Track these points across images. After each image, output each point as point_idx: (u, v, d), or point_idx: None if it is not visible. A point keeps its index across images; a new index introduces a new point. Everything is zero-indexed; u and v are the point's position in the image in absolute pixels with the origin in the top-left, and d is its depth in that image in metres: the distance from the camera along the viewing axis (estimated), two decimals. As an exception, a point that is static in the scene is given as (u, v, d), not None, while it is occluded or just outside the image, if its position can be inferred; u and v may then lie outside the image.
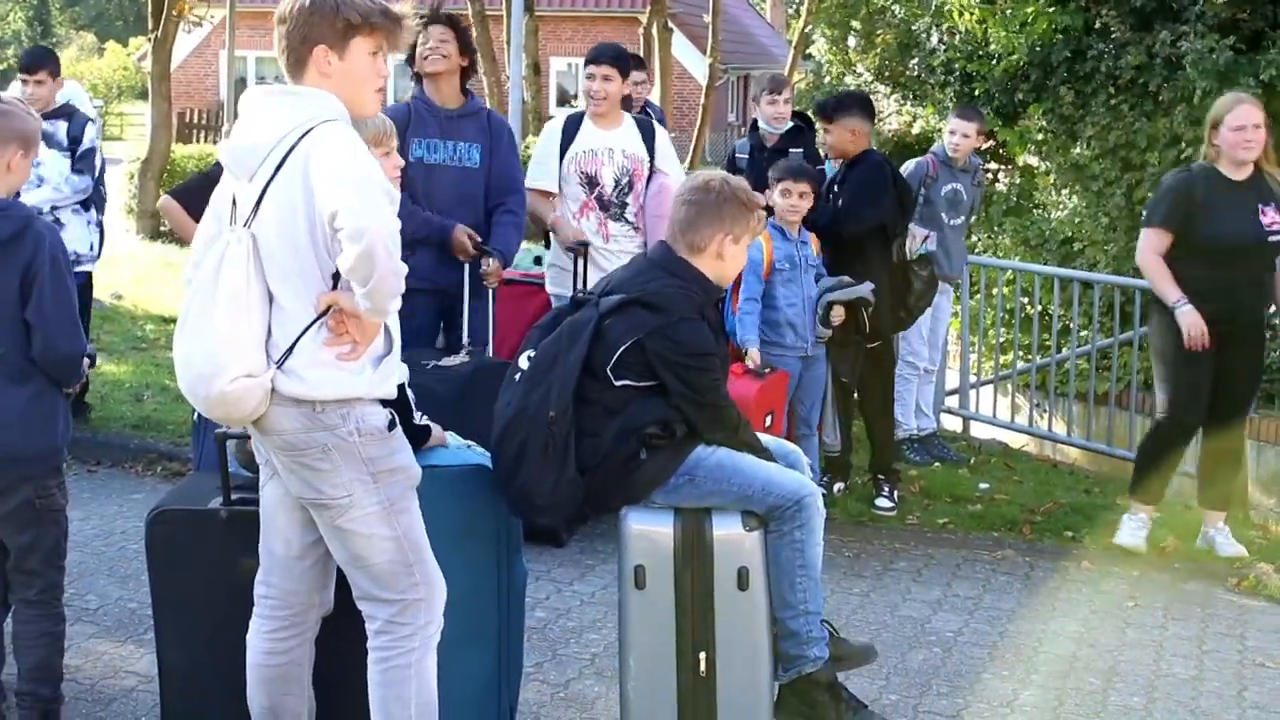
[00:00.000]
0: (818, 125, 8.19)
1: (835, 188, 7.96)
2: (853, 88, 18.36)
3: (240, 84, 27.72)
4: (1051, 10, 15.00)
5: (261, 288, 3.97)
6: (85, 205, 8.71)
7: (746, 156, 8.91)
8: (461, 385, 6.43)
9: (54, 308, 4.70)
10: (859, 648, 5.16)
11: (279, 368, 4.00)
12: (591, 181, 7.62)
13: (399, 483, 4.24)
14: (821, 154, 8.78)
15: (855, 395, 8.21)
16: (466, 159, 7.21)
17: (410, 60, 7.21)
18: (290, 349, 3.99)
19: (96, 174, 8.72)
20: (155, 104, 20.26)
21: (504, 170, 7.34)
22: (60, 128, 8.52)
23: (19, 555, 4.90)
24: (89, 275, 8.80)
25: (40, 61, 8.65)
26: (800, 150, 8.68)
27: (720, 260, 4.87)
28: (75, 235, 8.52)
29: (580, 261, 7.44)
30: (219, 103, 33.16)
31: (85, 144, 8.60)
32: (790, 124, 8.82)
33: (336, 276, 4.01)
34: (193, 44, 36.39)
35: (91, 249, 8.78)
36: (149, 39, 20.66)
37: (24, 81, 8.56)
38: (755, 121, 9.03)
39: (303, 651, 4.45)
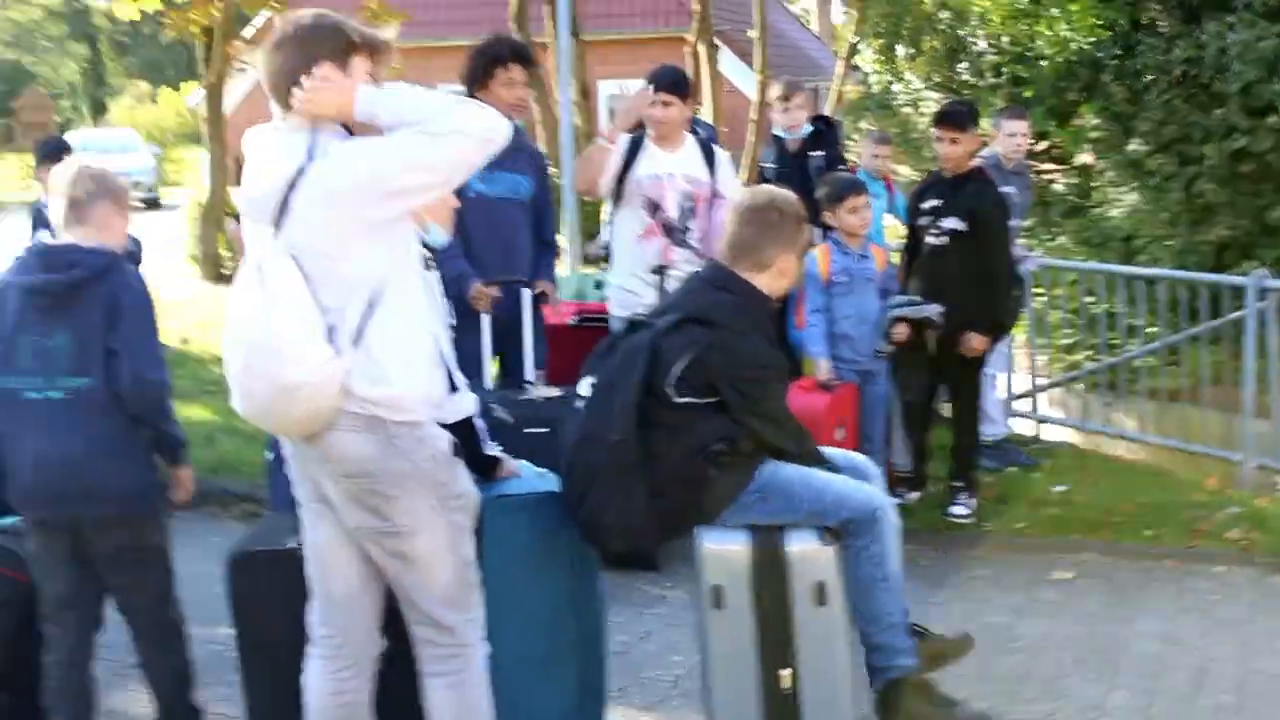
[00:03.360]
0: (941, 135, 7.94)
1: (938, 202, 7.89)
2: (901, 96, 18.32)
3: (293, 124, 27.79)
4: (1096, 6, 14.92)
5: (307, 290, 3.99)
6: None
7: (773, 167, 8.88)
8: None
9: (137, 334, 4.80)
10: (954, 640, 5.13)
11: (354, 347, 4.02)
12: (655, 207, 7.59)
13: (463, 507, 4.28)
14: (847, 155, 8.79)
15: (949, 405, 8.21)
16: (523, 191, 7.27)
17: (475, 89, 7.18)
18: (357, 337, 4.01)
19: None
20: (211, 148, 20.46)
21: (545, 204, 7.51)
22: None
23: (121, 595, 5.04)
24: None
25: (59, 151, 8.33)
26: (822, 153, 8.66)
27: (781, 277, 4.90)
28: None
29: (660, 284, 7.39)
30: (273, 144, 33.40)
31: None
32: (809, 127, 8.79)
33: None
34: (246, 87, 36.69)
35: None
36: (203, 83, 20.86)
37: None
38: (774, 132, 9.00)
39: (366, 689, 4.47)
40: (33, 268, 4.85)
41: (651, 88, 7.55)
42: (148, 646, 5.13)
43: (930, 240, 7.89)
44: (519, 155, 7.30)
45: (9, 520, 5.44)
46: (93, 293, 4.79)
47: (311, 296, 3.98)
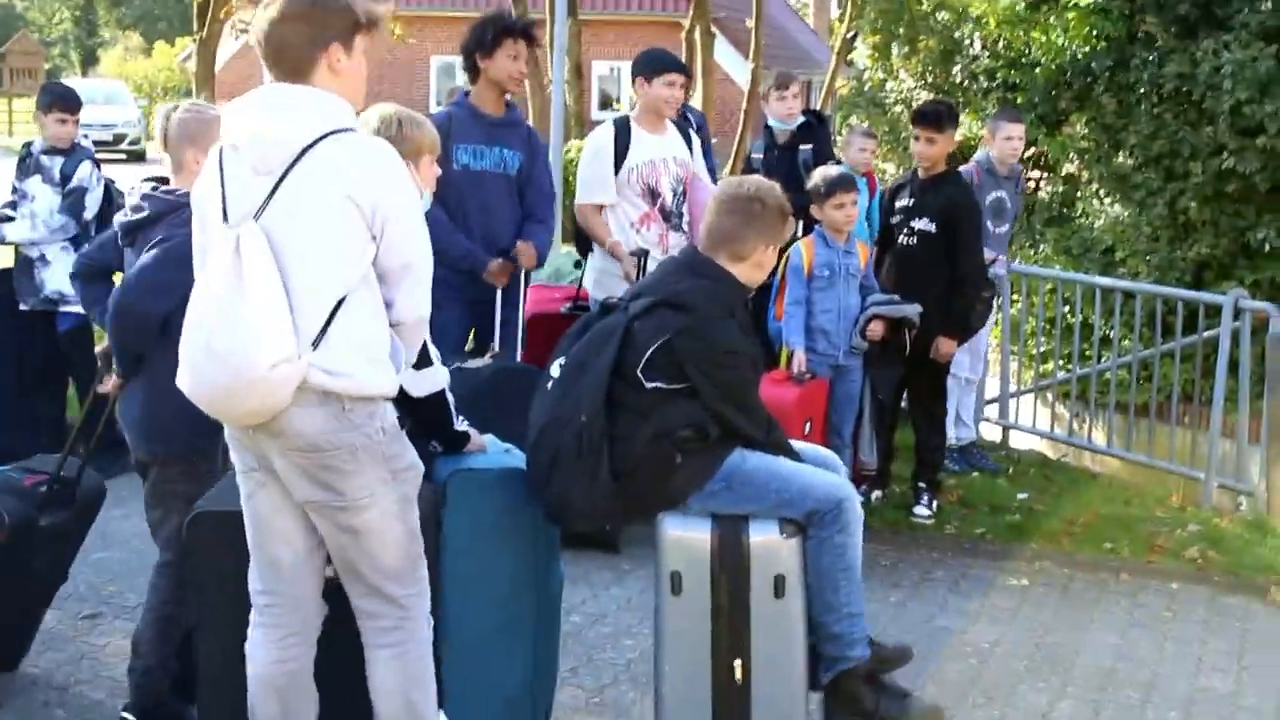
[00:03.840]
0: (919, 133, 8.03)
1: (910, 201, 7.92)
2: (894, 94, 18.32)
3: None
4: (1092, 17, 14.93)
5: (279, 278, 3.94)
6: (76, 243, 8.13)
7: (760, 157, 8.91)
8: (478, 386, 6.39)
9: (141, 267, 4.93)
10: (893, 650, 5.15)
11: (313, 349, 3.98)
12: (653, 193, 7.58)
13: (411, 479, 4.28)
14: (838, 152, 8.79)
15: (905, 405, 8.22)
16: (510, 166, 7.23)
17: (478, 55, 7.17)
18: (319, 338, 3.97)
19: (90, 214, 8.20)
20: (200, 104, 20.37)
21: (540, 184, 7.41)
22: (57, 163, 8.20)
23: (151, 527, 5.22)
24: (84, 322, 8.01)
25: (76, 104, 8.31)
26: (811, 146, 8.69)
27: (758, 268, 4.91)
28: (61, 273, 8.04)
29: (640, 266, 7.35)
30: (262, 103, 33.19)
31: (74, 182, 8.14)
32: (801, 119, 8.82)
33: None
34: (237, 45, 36.56)
35: None
36: (194, 40, 20.78)
37: (62, 121, 8.19)
38: (766, 122, 9.01)
39: (310, 655, 4.45)
40: (129, 206, 5.11)
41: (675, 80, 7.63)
42: (155, 575, 5.21)
43: (901, 240, 7.93)
44: (509, 131, 7.32)
45: None
46: (148, 234, 4.99)
47: (284, 288, 3.93)
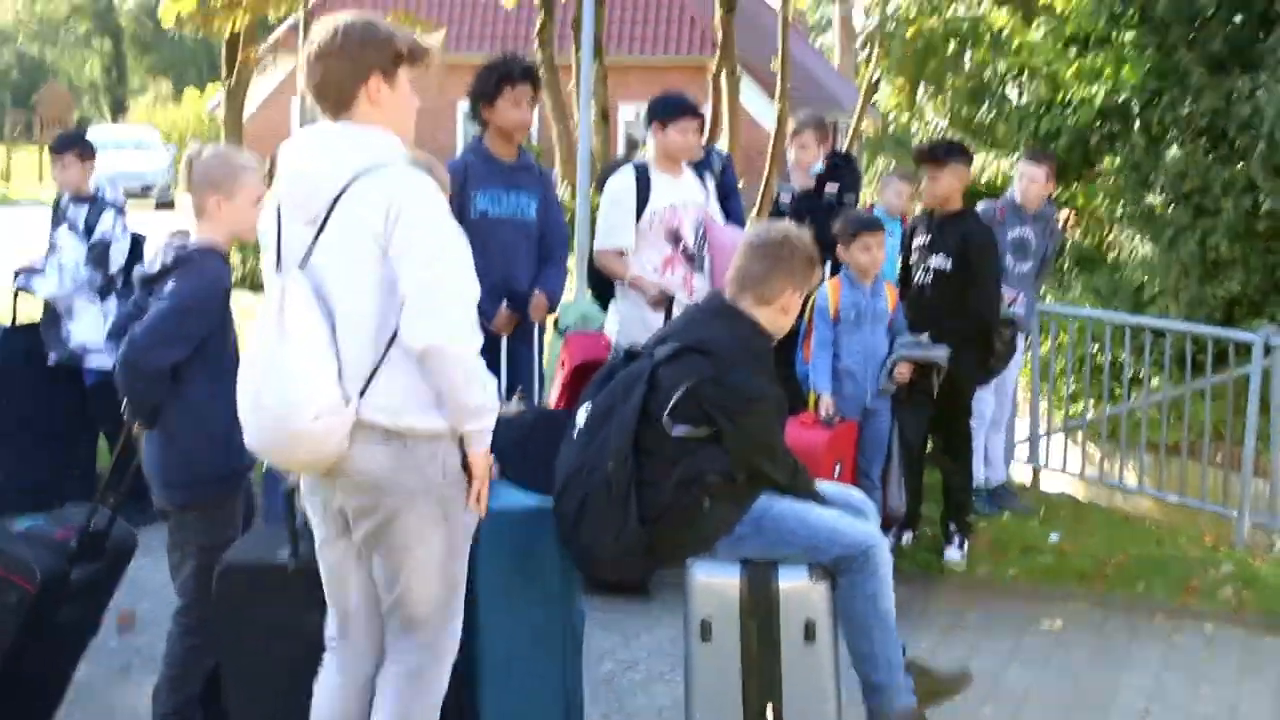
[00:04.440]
0: (925, 171, 7.99)
1: (926, 239, 7.90)
2: (920, 135, 18.34)
3: (312, 132, 27.79)
4: (1131, 56, 14.90)
5: (327, 326, 3.97)
6: (103, 295, 8.15)
7: (789, 199, 8.90)
8: (521, 435, 6.40)
9: (148, 320, 4.93)
10: (952, 676, 5.13)
11: (361, 398, 4.00)
12: (676, 236, 7.58)
13: (466, 525, 4.28)
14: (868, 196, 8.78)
15: (929, 448, 8.17)
16: (527, 211, 7.27)
17: (481, 105, 7.22)
18: (370, 379, 3.99)
19: (116, 267, 8.12)
20: (228, 152, 20.47)
21: (556, 222, 7.50)
22: (81, 213, 8.15)
23: (171, 572, 5.26)
24: (110, 375, 7.96)
25: (66, 145, 8.25)
26: (838, 184, 8.70)
27: (784, 314, 4.90)
28: (87, 325, 8.12)
29: (666, 312, 7.36)
30: (291, 150, 33.37)
31: (98, 235, 8.07)
32: (819, 166, 8.81)
33: None
34: (266, 91, 36.82)
35: None
36: (223, 86, 20.91)
37: (63, 168, 8.17)
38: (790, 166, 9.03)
39: (369, 698, 4.43)
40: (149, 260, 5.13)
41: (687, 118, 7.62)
42: (173, 621, 5.22)
43: (917, 278, 7.91)
44: (525, 175, 7.37)
45: (26, 524, 5.50)
46: (162, 286, 4.99)
47: (329, 336, 3.96)
